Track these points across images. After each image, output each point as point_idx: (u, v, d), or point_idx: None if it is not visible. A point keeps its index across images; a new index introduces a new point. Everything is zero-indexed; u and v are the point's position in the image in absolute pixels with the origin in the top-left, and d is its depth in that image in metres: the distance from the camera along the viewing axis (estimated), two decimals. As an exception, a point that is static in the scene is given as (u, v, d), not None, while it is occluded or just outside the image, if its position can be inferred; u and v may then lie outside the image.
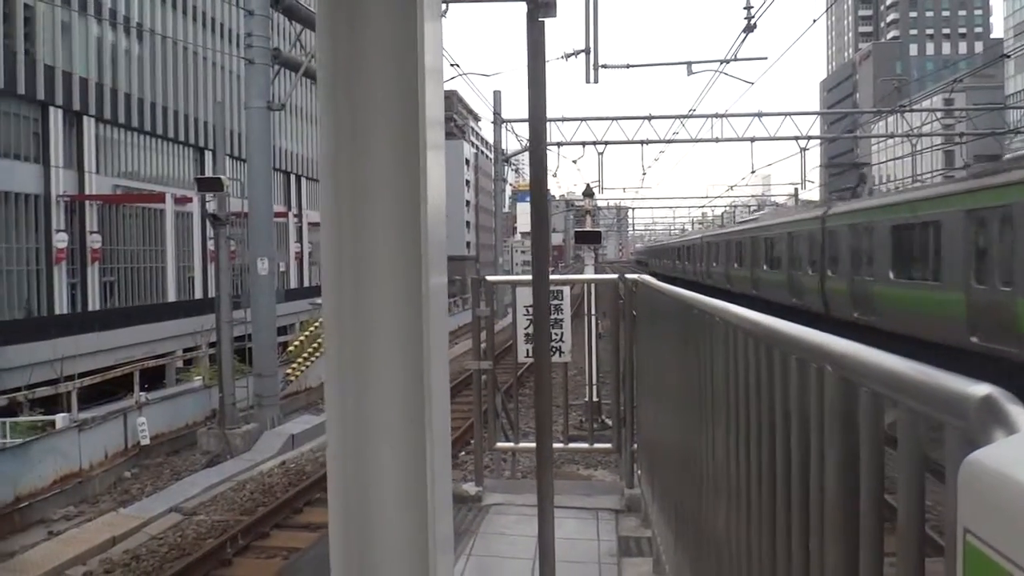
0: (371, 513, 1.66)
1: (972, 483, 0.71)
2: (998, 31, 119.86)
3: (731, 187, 60.58)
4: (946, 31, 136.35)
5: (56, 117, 31.48)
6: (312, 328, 27.53)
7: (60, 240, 31.18)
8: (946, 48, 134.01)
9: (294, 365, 24.43)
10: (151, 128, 37.91)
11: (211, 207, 18.11)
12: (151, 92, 37.71)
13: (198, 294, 38.44)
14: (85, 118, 33.19)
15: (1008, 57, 56.12)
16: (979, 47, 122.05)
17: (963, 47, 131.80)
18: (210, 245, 33.68)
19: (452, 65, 22.91)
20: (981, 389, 0.87)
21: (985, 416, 0.84)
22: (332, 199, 1.68)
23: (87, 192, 33.21)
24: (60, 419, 16.72)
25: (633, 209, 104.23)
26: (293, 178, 52.46)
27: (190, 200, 35.29)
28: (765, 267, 27.06)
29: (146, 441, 17.41)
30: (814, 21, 19.90)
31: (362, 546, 1.66)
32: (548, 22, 3.03)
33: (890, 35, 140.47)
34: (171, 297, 35.35)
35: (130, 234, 36.83)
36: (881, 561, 1.22)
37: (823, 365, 1.38)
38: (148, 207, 36.98)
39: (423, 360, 1.65)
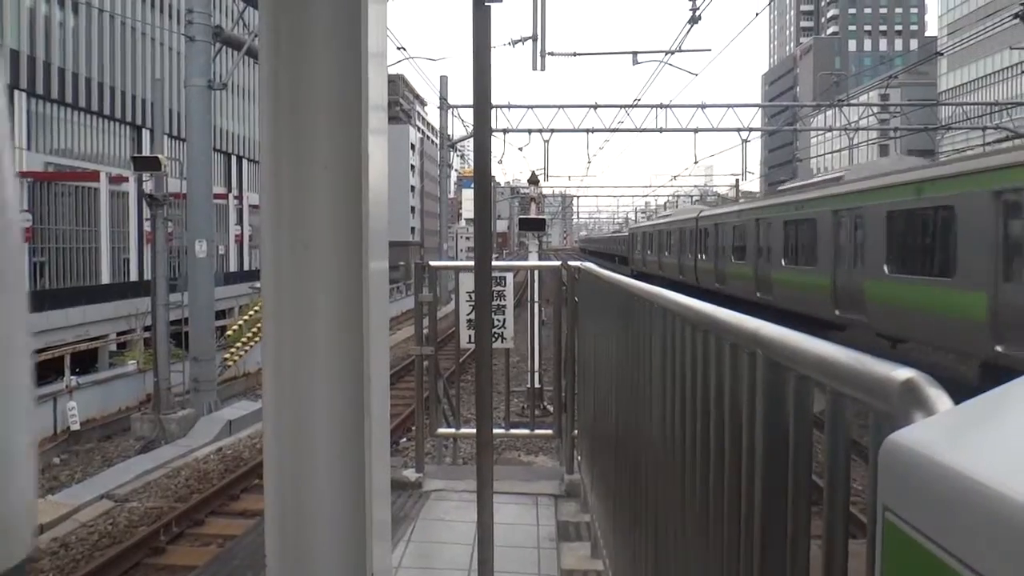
0: (307, 499, 1.65)
1: (891, 463, 0.74)
2: (932, 29, 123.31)
3: (674, 177, 61.32)
4: (883, 28, 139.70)
5: (-16, 91, 30.39)
6: (252, 312, 27.13)
7: (-12, 219, 30.14)
8: (883, 45, 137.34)
9: (232, 350, 24.06)
10: (86, 104, 36.81)
11: (148, 187, 17.70)
12: (87, 67, 36.61)
13: (133, 276, 37.45)
14: (16, 92, 32.08)
15: (941, 55, 57.73)
16: (914, 44, 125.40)
17: (899, 44, 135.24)
18: (147, 226, 32.89)
19: (398, 48, 22.72)
20: (903, 373, 0.90)
21: (906, 399, 0.87)
22: (272, 182, 1.66)
23: (17, 169, 32.16)
24: (-14, 403, 16.19)
25: (578, 197, 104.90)
26: (234, 159, 51.48)
27: (126, 179, 34.39)
28: None
29: (76, 426, 16.99)
30: (756, 15, 20.20)
31: (298, 532, 1.65)
32: (495, 8, 3.03)
33: (830, 31, 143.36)
34: (105, 279, 34.40)
35: (63, 213, 35.73)
36: (808, 538, 1.26)
37: (755, 350, 1.41)
38: (82, 186, 35.91)
39: (363, 345, 1.65)
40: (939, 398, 0.85)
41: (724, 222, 26.86)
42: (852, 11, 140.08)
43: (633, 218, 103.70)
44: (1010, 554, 0.57)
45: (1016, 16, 21.07)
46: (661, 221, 41.09)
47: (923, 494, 0.67)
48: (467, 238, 49.97)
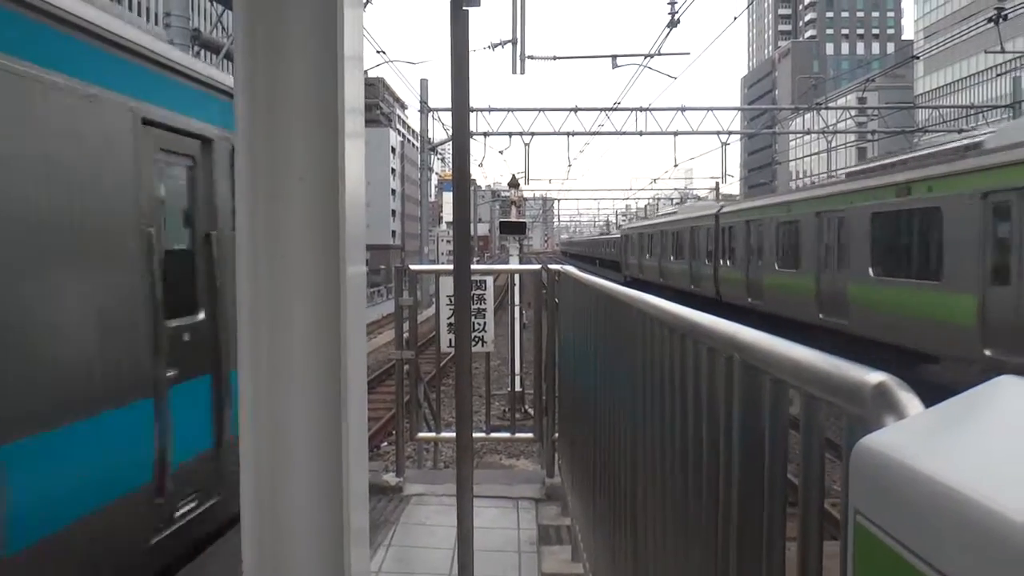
0: (284, 505, 1.64)
1: (862, 466, 0.74)
2: (908, 33, 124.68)
3: (654, 180, 61.58)
4: (860, 32, 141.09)
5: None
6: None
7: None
8: (860, 48, 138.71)
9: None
10: (62, 108, 36.45)
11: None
12: (62, 71, 36.26)
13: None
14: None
15: (918, 58, 58.36)
16: (891, 48, 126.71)
17: (876, 47, 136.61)
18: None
19: (378, 52, 22.67)
20: (875, 377, 0.91)
21: (878, 402, 0.88)
22: (248, 186, 1.65)
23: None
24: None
25: (558, 200, 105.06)
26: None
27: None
28: None
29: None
30: (735, 18, 20.33)
31: (274, 537, 1.64)
32: (475, 12, 3.03)
33: (808, 34, 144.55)
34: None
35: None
36: (783, 540, 1.27)
37: (732, 354, 1.42)
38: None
39: (340, 350, 1.64)
40: (910, 402, 0.86)
41: (762, 218, 20.52)
42: (829, 15, 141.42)
43: (614, 220, 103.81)
44: (978, 558, 0.57)
45: (990, 20, 21.33)
46: (664, 219, 34.87)
47: (892, 498, 0.68)
48: (448, 241, 49.79)
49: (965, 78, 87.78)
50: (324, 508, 1.62)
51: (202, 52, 18.81)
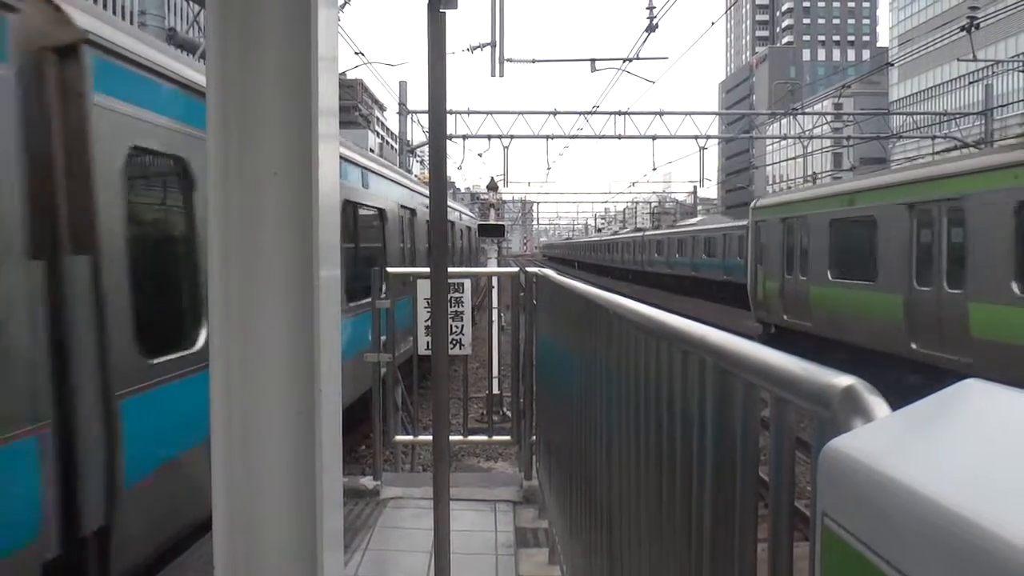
0: (256, 509, 1.62)
1: (830, 469, 0.75)
2: (884, 40, 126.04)
3: (633, 184, 61.84)
4: (836, 39, 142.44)
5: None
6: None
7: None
8: (836, 55, 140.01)
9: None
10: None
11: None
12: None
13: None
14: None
15: (892, 65, 58.93)
16: (866, 55, 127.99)
17: (852, 54, 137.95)
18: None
19: (356, 53, 22.54)
20: (844, 380, 0.91)
21: (846, 405, 0.88)
22: (220, 189, 1.64)
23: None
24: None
25: (538, 203, 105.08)
26: (189, 164, 50.75)
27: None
28: None
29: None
30: (712, 23, 20.46)
31: (247, 543, 1.62)
32: (454, 14, 3.03)
33: (785, 40, 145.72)
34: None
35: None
36: (755, 540, 1.27)
37: (704, 356, 1.42)
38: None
39: (313, 353, 1.63)
40: (878, 405, 0.86)
41: None
42: (806, 21, 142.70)
43: (592, 224, 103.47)
44: (944, 563, 0.57)
45: (963, 29, 21.57)
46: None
47: (859, 501, 0.68)
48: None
49: (938, 85, 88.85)
50: (297, 511, 1.61)
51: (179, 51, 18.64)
